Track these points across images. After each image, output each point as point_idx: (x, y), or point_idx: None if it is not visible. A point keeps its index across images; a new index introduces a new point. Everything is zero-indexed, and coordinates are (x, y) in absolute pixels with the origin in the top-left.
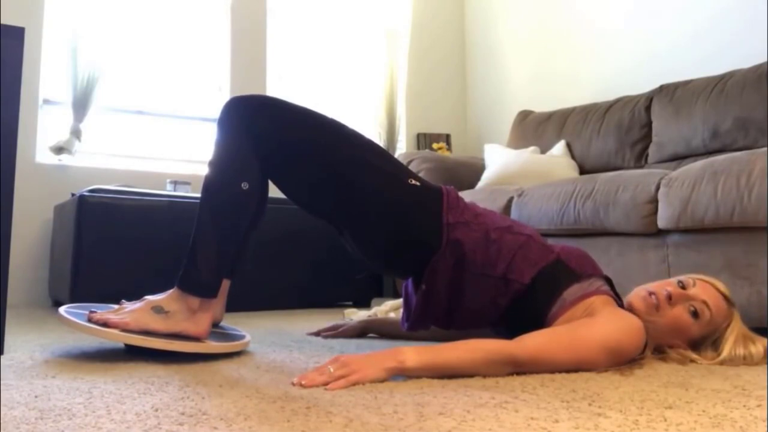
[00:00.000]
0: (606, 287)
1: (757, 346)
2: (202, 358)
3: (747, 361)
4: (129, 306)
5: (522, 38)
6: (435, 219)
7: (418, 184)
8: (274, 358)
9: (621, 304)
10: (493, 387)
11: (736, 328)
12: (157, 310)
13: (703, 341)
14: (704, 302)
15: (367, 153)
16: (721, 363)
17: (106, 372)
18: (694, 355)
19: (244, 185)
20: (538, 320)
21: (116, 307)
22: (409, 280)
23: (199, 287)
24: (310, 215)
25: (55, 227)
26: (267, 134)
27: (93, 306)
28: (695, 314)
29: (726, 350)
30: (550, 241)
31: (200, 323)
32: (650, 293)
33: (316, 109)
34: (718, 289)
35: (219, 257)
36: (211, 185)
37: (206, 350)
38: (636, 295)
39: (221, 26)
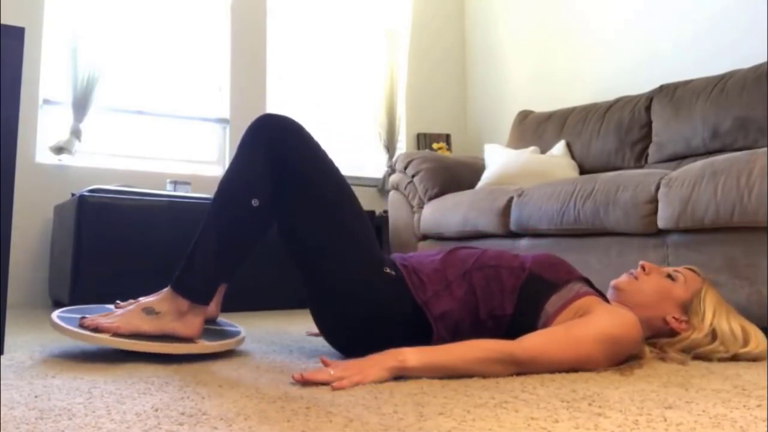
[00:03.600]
0: (585, 288)
1: (736, 323)
2: (202, 358)
3: (736, 339)
4: (121, 309)
5: (522, 38)
6: (413, 305)
7: (392, 273)
8: (274, 358)
9: (606, 301)
10: (493, 387)
11: (712, 293)
12: (148, 311)
13: (691, 304)
14: (675, 269)
15: (364, 230)
16: (713, 339)
17: (106, 372)
18: (689, 333)
19: (255, 202)
20: None
21: (111, 308)
22: None
23: (192, 292)
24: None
25: (55, 227)
26: (286, 161)
27: (88, 307)
28: (670, 277)
29: (709, 313)
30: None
31: (190, 324)
32: (628, 272)
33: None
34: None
35: (216, 267)
36: (222, 197)
37: (197, 351)
38: (616, 279)
39: (221, 26)
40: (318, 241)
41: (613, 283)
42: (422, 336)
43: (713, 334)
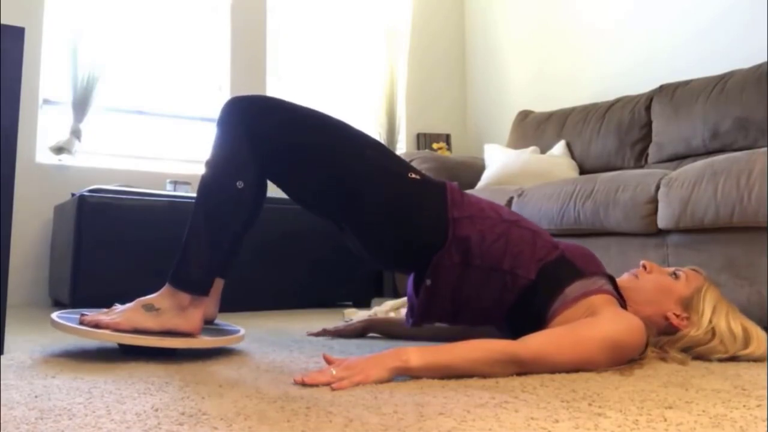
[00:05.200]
0: (608, 286)
1: (737, 323)
2: (202, 358)
3: (736, 339)
4: (121, 307)
5: (522, 38)
6: (438, 214)
7: (418, 177)
8: (274, 358)
9: (623, 303)
10: (493, 387)
11: (713, 291)
12: (148, 308)
13: (691, 301)
14: (677, 269)
15: (367, 150)
16: (713, 337)
17: (106, 372)
18: (689, 330)
19: (239, 184)
20: (540, 316)
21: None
22: (411, 277)
23: (190, 284)
24: (312, 214)
25: (55, 227)
26: (269, 136)
27: (87, 310)
28: (674, 275)
29: (708, 310)
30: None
31: (191, 319)
32: (630, 271)
33: (315, 108)
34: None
35: (211, 255)
36: (206, 184)
37: (198, 345)
38: (619, 278)
39: (221, 26)
40: (336, 195)
41: (621, 277)
42: (429, 248)
43: (712, 332)
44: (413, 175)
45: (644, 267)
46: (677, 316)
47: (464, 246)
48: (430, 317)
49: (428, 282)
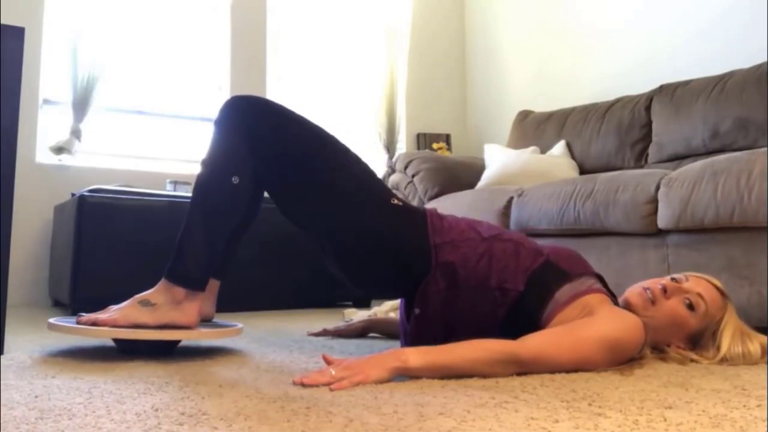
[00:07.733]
0: (598, 285)
1: (755, 343)
2: (201, 358)
3: (746, 359)
4: (117, 305)
5: (522, 38)
6: (421, 242)
7: (400, 204)
8: (274, 358)
9: (615, 302)
10: (493, 387)
11: (732, 321)
12: (144, 303)
13: (701, 337)
14: (699, 294)
15: (356, 169)
16: (721, 361)
17: (106, 372)
18: (694, 355)
19: (235, 179)
20: (533, 323)
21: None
22: (402, 304)
23: (186, 278)
24: (297, 228)
25: (55, 227)
26: (269, 138)
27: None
28: (691, 306)
29: (725, 345)
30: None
31: (188, 312)
32: (645, 289)
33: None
34: (711, 283)
35: (207, 250)
36: (202, 182)
37: (196, 338)
38: (631, 292)
39: (221, 26)
40: (322, 211)
41: (633, 293)
42: (414, 275)
43: (724, 358)
44: (395, 201)
45: (664, 290)
46: (680, 347)
47: (449, 270)
48: (423, 343)
49: (417, 311)
